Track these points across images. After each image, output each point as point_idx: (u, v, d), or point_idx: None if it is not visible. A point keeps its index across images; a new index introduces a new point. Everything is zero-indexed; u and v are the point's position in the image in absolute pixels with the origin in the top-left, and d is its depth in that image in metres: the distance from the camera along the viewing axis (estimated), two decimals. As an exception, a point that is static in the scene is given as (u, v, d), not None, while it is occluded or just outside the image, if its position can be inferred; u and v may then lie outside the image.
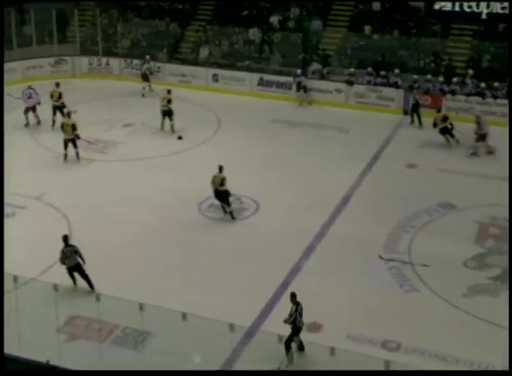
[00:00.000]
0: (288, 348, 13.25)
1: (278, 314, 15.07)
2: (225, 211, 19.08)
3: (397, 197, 19.78)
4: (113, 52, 30.54)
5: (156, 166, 21.84)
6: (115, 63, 29.96)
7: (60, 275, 15.60)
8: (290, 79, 27.49)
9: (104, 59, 30.09)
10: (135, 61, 29.34)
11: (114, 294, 14.20)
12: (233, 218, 18.99)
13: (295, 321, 13.48)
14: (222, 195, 18.94)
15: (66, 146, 21.98)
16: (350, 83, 26.59)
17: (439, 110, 23.49)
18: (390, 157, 22.31)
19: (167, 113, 24.00)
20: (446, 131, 22.93)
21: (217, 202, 19.28)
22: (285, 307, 15.27)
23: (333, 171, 21.28)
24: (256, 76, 28.09)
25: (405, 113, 25.51)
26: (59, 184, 20.50)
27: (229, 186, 19.11)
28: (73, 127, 21.94)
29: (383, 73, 26.64)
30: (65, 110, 23.79)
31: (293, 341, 13.44)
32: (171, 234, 18.16)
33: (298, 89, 26.81)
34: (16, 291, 13.47)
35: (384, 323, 14.69)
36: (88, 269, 15.70)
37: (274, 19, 30.44)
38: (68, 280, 15.19)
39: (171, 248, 17.52)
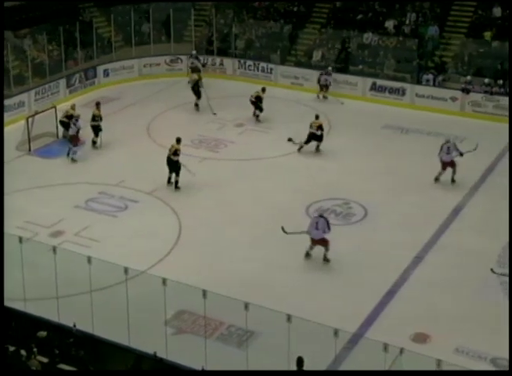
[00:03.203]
0: None
1: (383, 322, 14.94)
2: (169, 181, 20.52)
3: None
4: (228, 53, 30.84)
5: (266, 167, 21.95)
6: (229, 63, 30.25)
7: (169, 269, 15.90)
8: (405, 85, 27.09)
9: (218, 59, 30.43)
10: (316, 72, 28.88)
11: (221, 291, 14.32)
12: (177, 187, 20.38)
13: None
14: (173, 164, 20.36)
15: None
16: (466, 91, 25.95)
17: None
18: (506, 168, 21.58)
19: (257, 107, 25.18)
20: None
21: (325, 205, 19.25)
22: (390, 316, 15.14)
23: (446, 181, 20.80)
24: (369, 81, 27.78)
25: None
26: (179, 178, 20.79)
27: (337, 189, 19.01)
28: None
29: (500, 82, 25.87)
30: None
31: None
32: (279, 235, 18.11)
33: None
34: (127, 283, 13.69)
35: (495, 339, 14.21)
36: (198, 264, 15.96)
37: (389, 24, 30.02)
38: (176, 275, 15.32)
39: (278, 249, 17.54)
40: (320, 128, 22.68)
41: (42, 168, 21.87)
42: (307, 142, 22.78)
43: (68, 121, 23.23)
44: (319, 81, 27.72)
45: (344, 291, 15.93)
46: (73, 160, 22.32)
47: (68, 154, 22.48)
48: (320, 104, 26.92)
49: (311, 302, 15.26)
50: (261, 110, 25.25)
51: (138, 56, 30.22)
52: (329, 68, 27.98)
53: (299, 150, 22.85)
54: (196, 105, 26.35)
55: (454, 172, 20.64)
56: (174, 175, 20.50)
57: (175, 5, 31.86)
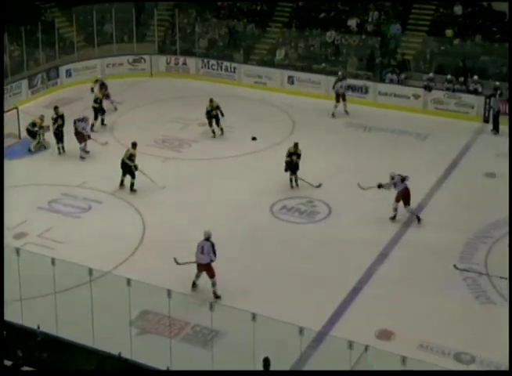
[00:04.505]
0: None
1: (347, 320, 15.01)
2: (122, 184, 20.33)
3: (474, 206, 19.37)
4: (191, 52, 30.77)
5: (230, 166, 21.94)
6: (192, 62, 30.18)
7: (133, 269, 15.83)
8: (368, 83, 27.27)
9: (181, 59, 30.35)
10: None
11: (186, 291, 14.30)
12: (132, 190, 20.11)
13: None
14: (126, 168, 20.09)
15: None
16: (428, 88, 26.16)
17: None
18: (468, 165, 21.86)
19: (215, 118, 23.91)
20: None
21: (289, 204, 19.33)
22: (355, 313, 15.22)
23: (409, 177, 20.92)
24: (332, 79, 27.77)
25: (486, 120, 24.99)
26: (134, 180, 20.73)
27: (301, 187, 19.11)
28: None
29: (461, 79, 26.17)
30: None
31: None
32: (243, 234, 18.19)
33: None
34: (91, 284, 13.60)
35: (458, 335, 14.40)
36: (163, 264, 15.97)
37: (352, 23, 30.23)
38: (141, 276, 15.22)
39: (242, 249, 17.54)
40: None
41: (4, 169, 21.56)
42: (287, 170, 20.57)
43: (34, 129, 22.89)
44: (336, 91, 25.99)
45: (309, 289, 15.94)
46: (82, 158, 22.40)
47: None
48: (285, 102, 26.87)
49: (276, 301, 15.24)
50: (211, 123, 23.99)
51: (101, 56, 30.04)
52: (340, 73, 26.53)
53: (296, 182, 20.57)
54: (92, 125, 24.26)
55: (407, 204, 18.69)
56: (129, 177, 20.26)
57: (138, 4, 31.71)
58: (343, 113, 25.88)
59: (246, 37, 31.18)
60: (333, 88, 26.22)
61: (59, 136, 22.75)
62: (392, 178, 18.67)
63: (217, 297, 15.53)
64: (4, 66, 27.40)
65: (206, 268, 15.62)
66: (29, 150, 22.92)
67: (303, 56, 29.75)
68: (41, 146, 23.05)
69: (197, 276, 15.83)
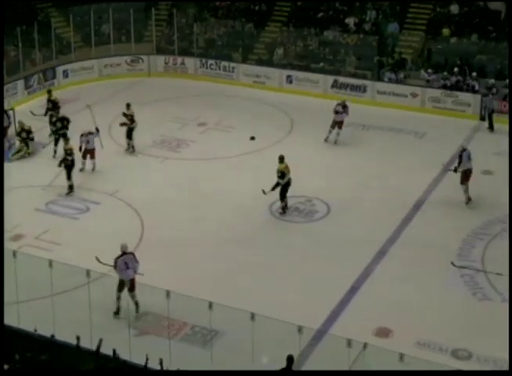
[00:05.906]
0: None
1: (346, 318, 15.03)
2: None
3: (471, 203, 19.38)
4: (189, 52, 30.77)
5: (229, 166, 21.94)
6: (190, 62, 30.17)
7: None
8: (366, 82, 27.26)
9: (180, 59, 30.36)
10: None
11: (185, 292, 14.29)
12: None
13: None
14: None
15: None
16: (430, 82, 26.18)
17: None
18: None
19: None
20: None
21: (288, 203, 19.35)
22: (354, 311, 15.23)
23: (407, 175, 21.00)
24: (330, 78, 27.90)
25: (482, 118, 25.03)
26: (133, 181, 20.77)
27: (299, 186, 19.14)
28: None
29: (459, 77, 26.19)
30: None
31: None
32: (242, 234, 18.20)
33: None
34: (89, 285, 13.62)
35: (456, 332, 14.46)
36: (161, 265, 15.97)
37: (350, 21, 30.24)
38: (140, 277, 15.20)
39: (241, 248, 17.55)
40: (282, 174, 18.84)
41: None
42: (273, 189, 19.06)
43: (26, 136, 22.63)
44: (336, 111, 23.58)
45: (308, 287, 15.98)
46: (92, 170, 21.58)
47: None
48: (283, 101, 26.89)
49: (275, 300, 15.25)
50: (128, 135, 22.59)
51: (98, 57, 30.00)
52: (342, 100, 23.97)
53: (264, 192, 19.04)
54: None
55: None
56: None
57: (135, 4, 31.71)
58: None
59: (245, 36, 31.15)
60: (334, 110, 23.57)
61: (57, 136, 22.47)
62: (464, 150, 19.47)
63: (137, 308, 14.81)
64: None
65: (132, 281, 14.72)
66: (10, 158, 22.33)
67: (301, 55, 29.74)
68: (23, 156, 22.48)
69: (119, 297, 14.79)
